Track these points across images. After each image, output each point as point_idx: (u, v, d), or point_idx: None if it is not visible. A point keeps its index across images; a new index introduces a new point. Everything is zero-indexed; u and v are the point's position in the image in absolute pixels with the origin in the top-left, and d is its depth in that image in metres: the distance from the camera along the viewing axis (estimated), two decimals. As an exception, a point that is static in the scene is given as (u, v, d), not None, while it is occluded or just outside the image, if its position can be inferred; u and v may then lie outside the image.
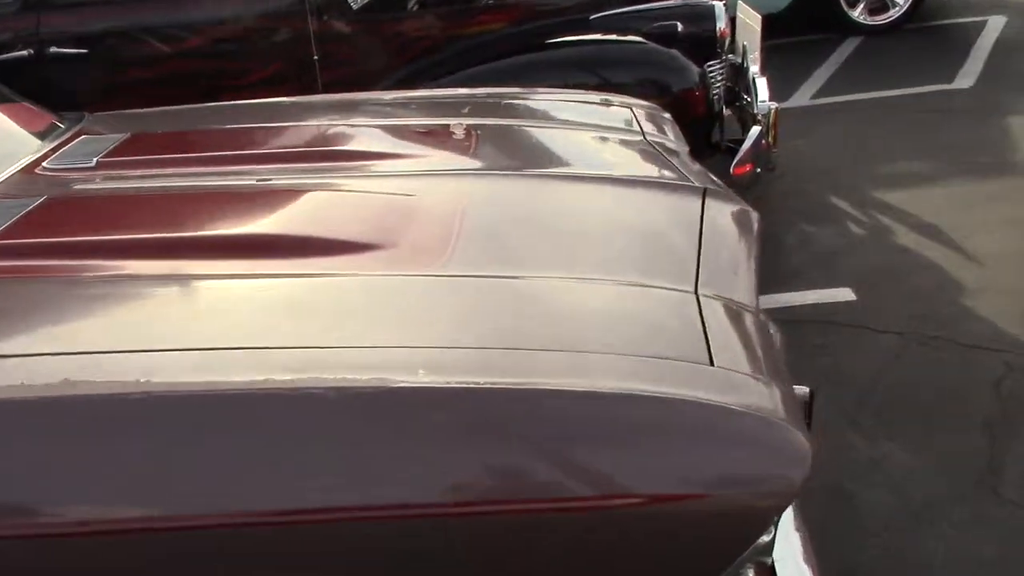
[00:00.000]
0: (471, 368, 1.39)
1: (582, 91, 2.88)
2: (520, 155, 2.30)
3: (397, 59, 3.80)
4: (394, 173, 2.12)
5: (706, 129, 3.90)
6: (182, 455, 1.31)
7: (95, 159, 2.21)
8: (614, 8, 3.87)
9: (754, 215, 2.08)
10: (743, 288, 1.76)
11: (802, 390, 1.84)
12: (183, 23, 3.72)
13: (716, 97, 3.91)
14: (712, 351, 1.48)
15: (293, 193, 2.00)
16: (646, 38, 3.76)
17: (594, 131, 2.50)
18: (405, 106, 2.77)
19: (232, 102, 2.84)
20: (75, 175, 2.17)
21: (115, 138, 2.40)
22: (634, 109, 2.72)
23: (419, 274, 1.66)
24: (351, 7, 3.71)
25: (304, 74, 3.68)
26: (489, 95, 2.84)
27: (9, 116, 2.61)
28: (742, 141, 3.90)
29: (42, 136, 2.46)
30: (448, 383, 1.36)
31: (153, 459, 1.31)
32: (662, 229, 1.92)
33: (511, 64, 3.81)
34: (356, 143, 2.39)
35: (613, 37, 3.79)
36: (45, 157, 2.28)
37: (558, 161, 2.28)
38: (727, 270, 1.80)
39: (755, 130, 3.81)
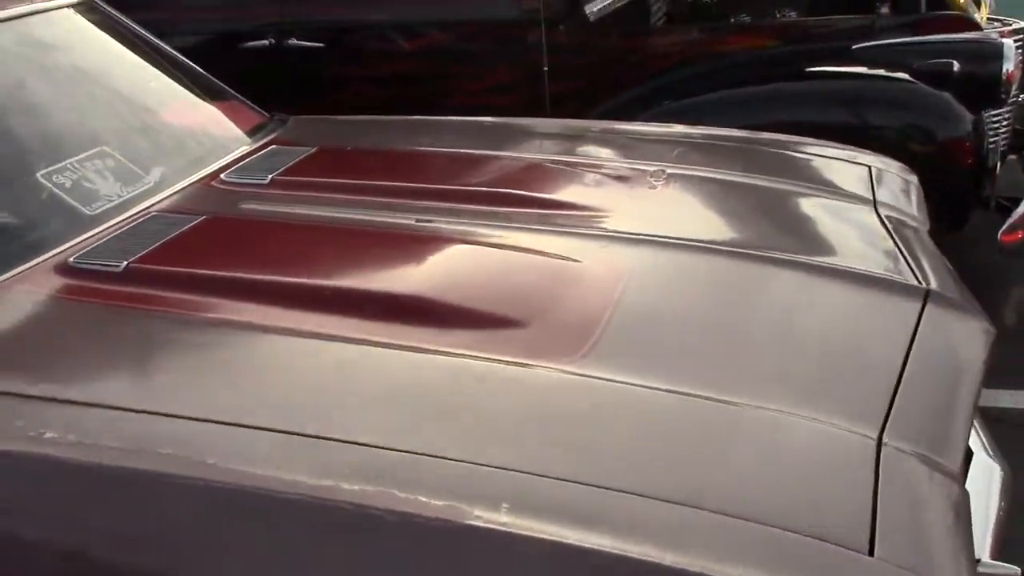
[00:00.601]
0: (567, 511, 1.16)
1: (817, 141, 2.53)
2: (715, 220, 2.02)
3: (634, 75, 3.55)
4: (567, 228, 1.90)
5: (974, 183, 3.40)
6: (214, 551, 1.18)
7: (270, 176, 2.14)
8: (882, 38, 3.44)
9: (989, 332, 1.69)
10: (947, 440, 1.41)
11: (1010, 571, 1.48)
12: (416, 22, 3.64)
13: (991, 149, 3.39)
14: (877, 532, 1.17)
15: (446, 242, 1.83)
16: (916, 76, 3.30)
17: (814, 196, 2.16)
18: (608, 140, 2.53)
19: (436, 118, 2.71)
20: (247, 191, 2.10)
21: (300, 151, 2.32)
22: (873, 170, 2.35)
23: (552, 367, 1.43)
24: (587, 18, 3.50)
25: (532, 84, 3.51)
26: (708, 136, 2.55)
27: (221, 113, 2.61)
28: (1020, 200, 3.37)
29: (238, 141, 2.43)
30: (530, 529, 1.13)
31: (189, 552, 1.19)
32: (860, 342, 1.59)
33: (760, 92, 3.47)
34: (538, 183, 2.19)
35: (879, 73, 3.35)
36: (231, 166, 2.23)
37: (757, 234, 1.96)
38: (930, 411, 1.45)
39: (1036, 192, 3.28)
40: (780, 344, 1.56)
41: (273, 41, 3.65)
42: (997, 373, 1.68)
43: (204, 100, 2.62)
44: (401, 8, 3.64)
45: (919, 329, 1.61)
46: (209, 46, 3.77)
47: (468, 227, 1.88)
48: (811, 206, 2.11)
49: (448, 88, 3.60)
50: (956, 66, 3.26)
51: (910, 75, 3.32)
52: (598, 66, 3.56)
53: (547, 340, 1.50)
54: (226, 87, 2.74)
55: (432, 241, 1.83)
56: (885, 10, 3.65)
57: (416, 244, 1.82)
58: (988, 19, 3.89)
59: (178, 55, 2.72)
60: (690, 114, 3.52)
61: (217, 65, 3.71)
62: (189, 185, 2.12)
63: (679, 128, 2.60)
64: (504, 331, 1.52)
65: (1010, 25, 3.78)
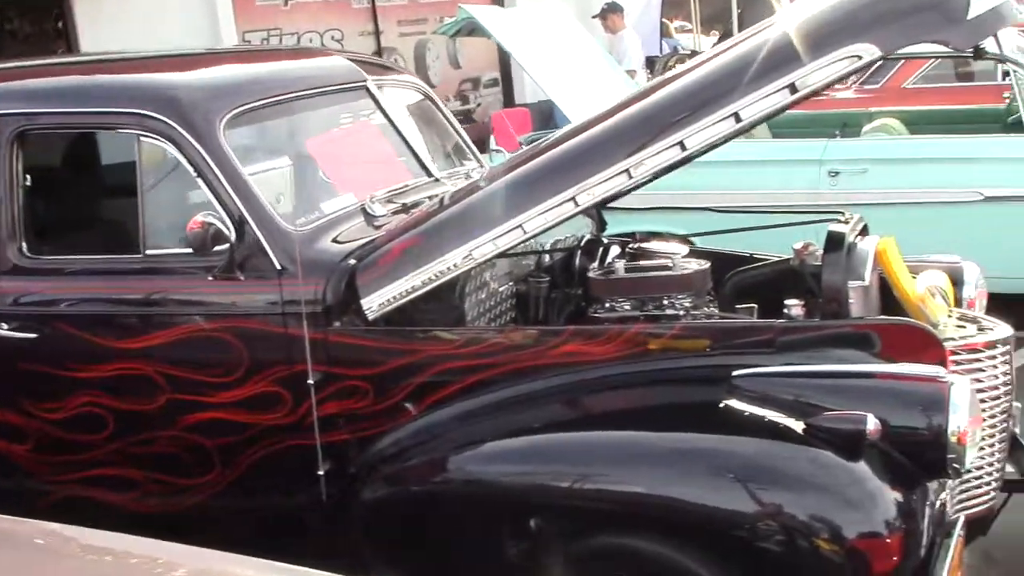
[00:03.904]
0: None
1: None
2: None
3: (429, 396, 2.52)
4: None
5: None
6: None
7: None
8: (777, 360, 2.31)
9: None
10: None
11: None
12: (149, 310, 2.71)
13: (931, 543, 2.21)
14: None
15: None
16: (816, 433, 2.18)
17: None
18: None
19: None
20: None
21: None
22: None
23: None
24: (365, 314, 2.51)
25: (295, 401, 2.51)
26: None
27: None
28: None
29: None
30: None
31: None
32: None
33: (592, 443, 2.40)
34: None
35: (766, 421, 2.24)
36: None
37: None
38: None
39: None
40: None
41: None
42: None
43: None
44: (131, 290, 2.72)
45: None
46: None
47: None
48: None
49: (184, 402, 2.62)
50: (871, 425, 2.13)
51: (809, 430, 2.19)
52: (382, 379, 2.54)
53: None
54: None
55: None
56: (797, 310, 2.54)
57: None
58: (961, 319, 2.73)
59: None
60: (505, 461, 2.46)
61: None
62: None
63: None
64: None
65: (990, 331, 2.64)
